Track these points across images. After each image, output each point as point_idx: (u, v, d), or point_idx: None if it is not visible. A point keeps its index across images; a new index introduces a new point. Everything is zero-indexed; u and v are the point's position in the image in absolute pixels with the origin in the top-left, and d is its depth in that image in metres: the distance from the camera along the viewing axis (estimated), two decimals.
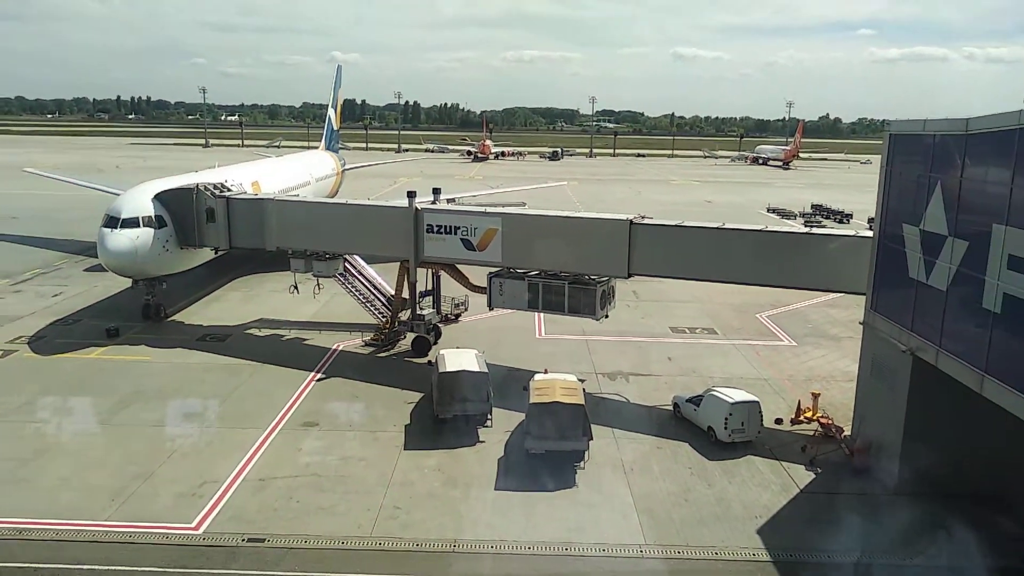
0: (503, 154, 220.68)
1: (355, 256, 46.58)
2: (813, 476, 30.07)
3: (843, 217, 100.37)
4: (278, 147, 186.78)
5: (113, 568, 23.35)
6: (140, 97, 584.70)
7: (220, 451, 31.12)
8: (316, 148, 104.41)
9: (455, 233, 40.81)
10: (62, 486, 28.02)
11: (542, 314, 46.02)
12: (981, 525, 25.81)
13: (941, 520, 26.08)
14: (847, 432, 32.76)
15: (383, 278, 47.33)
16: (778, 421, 34.80)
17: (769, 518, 26.93)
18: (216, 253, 49.70)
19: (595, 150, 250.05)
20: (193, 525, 25.61)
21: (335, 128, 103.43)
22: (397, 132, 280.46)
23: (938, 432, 27.04)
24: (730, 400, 32.33)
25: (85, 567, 23.35)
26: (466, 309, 49.75)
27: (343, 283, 46.24)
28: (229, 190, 48.02)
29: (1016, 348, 22.64)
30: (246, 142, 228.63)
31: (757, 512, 27.25)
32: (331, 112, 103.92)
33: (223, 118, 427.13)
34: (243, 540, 24.82)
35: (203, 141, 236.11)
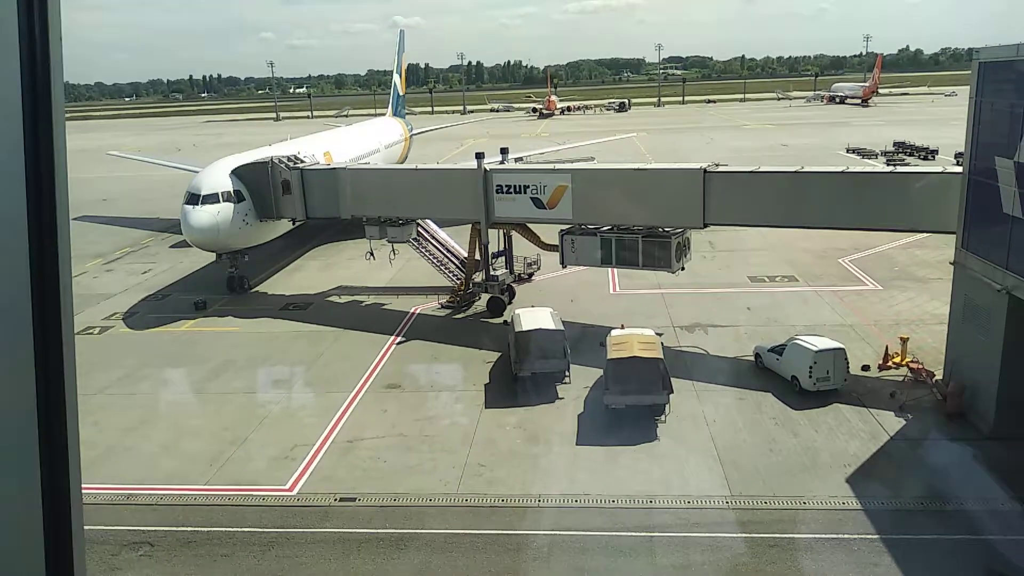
0: (569, 109, 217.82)
1: (427, 220, 47.01)
2: (903, 423, 29.21)
3: (928, 153, 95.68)
4: (346, 116, 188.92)
5: (215, 529, 24.49)
6: (211, 75, 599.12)
7: (309, 415, 32.17)
8: (383, 115, 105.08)
9: (524, 192, 40.66)
10: (163, 453, 29.50)
11: (616, 270, 45.76)
12: None
13: None
14: (938, 377, 31.63)
15: (456, 241, 47.68)
16: (865, 368, 33.82)
17: (858, 466, 26.33)
18: (294, 224, 50.85)
19: (664, 99, 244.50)
20: (287, 487, 26.65)
21: (401, 94, 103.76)
22: (462, 94, 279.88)
23: None
24: (814, 348, 31.53)
25: (188, 528, 24.56)
26: (539, 268, 49.74)
27: (417, 247, 46.81)
28: (302, 161, 48.87)
29: None
30: (315, 113, 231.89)
31: (846, 461, 26.68)
32: (396, 78, 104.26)
33: (292, 91, 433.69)
34: (335, 500, 25.71)
35: (274, 115, 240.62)
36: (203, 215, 45.80)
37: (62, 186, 2.90)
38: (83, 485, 3.21)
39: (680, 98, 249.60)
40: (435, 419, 31.27)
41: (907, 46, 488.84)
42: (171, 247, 63.27)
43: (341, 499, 25.75)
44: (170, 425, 32.18)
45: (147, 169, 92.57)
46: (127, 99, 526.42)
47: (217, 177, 47.81)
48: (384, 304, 46.71)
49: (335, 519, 24.79)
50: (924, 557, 21.66)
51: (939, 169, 36.86)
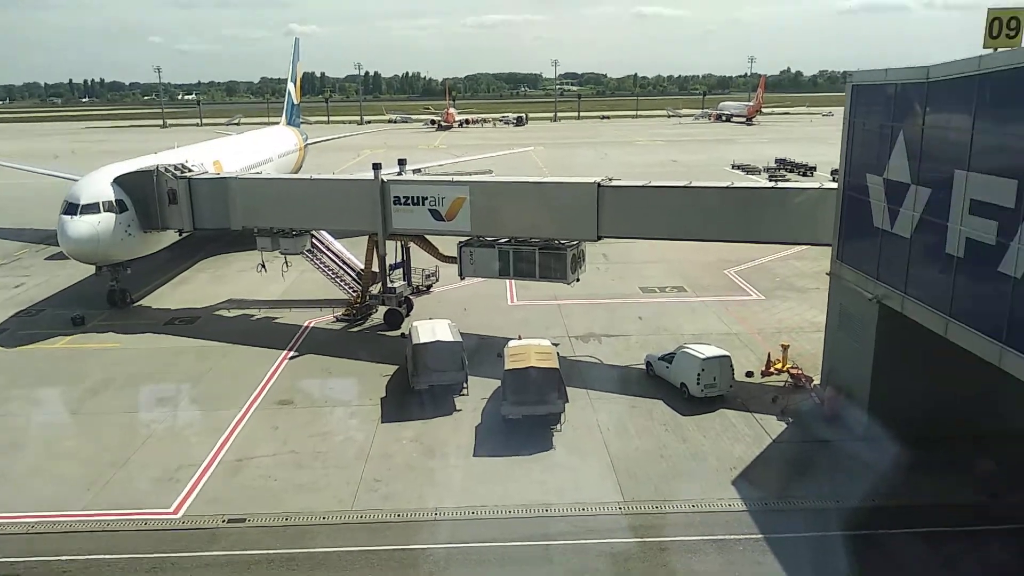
0: (467, 122, 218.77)
1: (322, 232, 46.13)
2: (785, 426, 30.62)
3: (807, 170, 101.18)
4: (238, 124, 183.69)
5: (92, 557, 23.16)
6: (94, 79, 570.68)
7: (195, 434, 30.91)
8: (277, 124, 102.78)
9: (423, 204, 40.49)
10: (36, 478, 27.68)
11: (513, 281, 46.13)
12: (948, 465, 26.60)
13: (909, 462, 26.76)
14: (817, 381, 33.34)
15: (352, 252, 46.98)
16: (749, 374, 35.30)
17: (743, 469, 27.42)
18: (180, 235, 48.87)
19: (559, 114, 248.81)
20: (171, 509, 25.48)
21: (295, 102, 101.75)
22: (359, 104, 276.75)
23: (905, 378, 27.62)
24: (701, 356, 32.69)
25: (64, 558, 23.11)
26: (437, 280, 49.61)
27: (311, 259, 45.84)
28: (190, 170, 47.13)
29: (979, 291, 23.08)
30: (205, 121, 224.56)
31: (732, 464, 27.72)
32: (290, 86, 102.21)
33: (180, 97, 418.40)
34: (223, 521, 24.74)
35: (160, 122, 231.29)
36: (82, 225, 43.47)
37: None
38: None
39: (576, 113, 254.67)
40: (329, 435, 30.59)
41: (788, 68, 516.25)
42: (47, 259, 59.82)
43: (229, 520, 24.80)
44: (43, 448, 30.20)
45: (21, 176, 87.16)
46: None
47: (98, 186, 45.49)
48: (276, 318, 45.47)
49: (223, 541, 23.83)
50: (806, 555, 22.65)
51: (816, 185, 38.94)
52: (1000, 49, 24.16)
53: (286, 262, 47.06)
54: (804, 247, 48.92)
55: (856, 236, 30.75)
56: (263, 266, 46.45)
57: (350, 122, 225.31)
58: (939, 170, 24.64)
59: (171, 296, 50.51)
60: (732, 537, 23.40)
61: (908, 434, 27.52)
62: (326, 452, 29.15)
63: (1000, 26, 25.07)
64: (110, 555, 23.26)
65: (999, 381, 22.41)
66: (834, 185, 33.14)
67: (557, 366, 31.07)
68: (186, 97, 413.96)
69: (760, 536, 23.36)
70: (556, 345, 35.22)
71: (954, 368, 25.23)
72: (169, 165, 46.42)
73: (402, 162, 49.52)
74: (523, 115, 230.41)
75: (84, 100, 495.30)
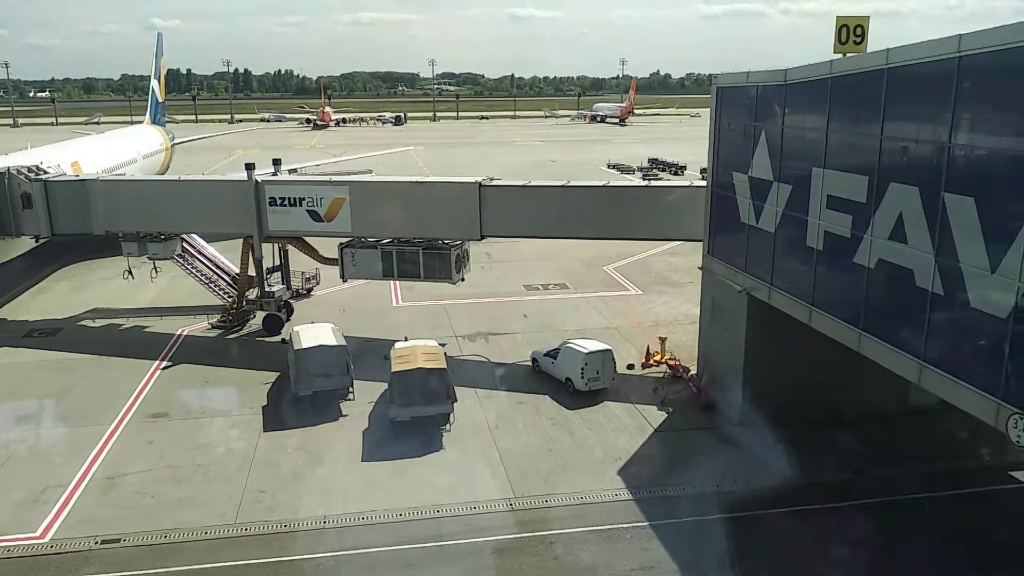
0: (344, 121, 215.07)
1: (193, 235, 44.27)
2: (665, 415, 31.82)
3: (678, 169, 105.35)
4: (97, 123, 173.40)
5: None
6: None
7: (62, 453, 29.07)
8: (141, 123, 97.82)
9: (300, 205, 39.53)
10: None
11: (398, 282, 45.78)
12: (816, 446, 28.34)
13: (782, 444, 28.38)
14: (693, 372, 34.81)
15: (226, 256, 45.33)
16: (630, 367, 36.45)
17: (628, 459, 28.33)
18: (37, 242, 45.79)
19: (438, 114, 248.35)
20: (38, 533, 23.87)
21: (160, 100, 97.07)
22: (229, 102, 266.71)
23: (775, 365, 29.17)
24: (584, 350, 33.50)
25: None
26: (318, 283, 48.59)
27: (182, 264, 43.89)
28: (46, 172, 44.21)
29: (837, 281, 24.73)
30: (61, 120, 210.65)
31: (617, 455, 28.57)
32: (154, 83, 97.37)
33: (32, 95, 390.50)
34: (96, 543, 23.39)
35: (11, 121, 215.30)
36: None
37: None
38: None
39: (455, 113, 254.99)
40: (208, 447, 29.43)
41: (658, 70, 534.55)
42: None
43: (103, 541, 23.47)
44: None
45: None
46: None
47: None
48: (146, 327, 43.30)
49: (96, 563, 22.54)
50: (689, 539, 23.63)
51: (687, 183, 40.62)
52: (848, 54, 26.03)
53: (155, 268, 44.88)
54: (678, 243, 51.11)
55: (725, 231, 32.28)
56: (130, 272, 44.14)
57: (220, 121, 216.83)
58: (798, 168, 26.25)
59: (29, 307, 47.25)
60: (619, 526, 24.12)
61: (779, 418, 29.17)
62: (206, 465, 28.03)
63: (848, 33, 27.03)
64: None
65: (860, 365, 24.09)
66: (703, 183, 34.67)
67: (445, 366, 31.10)
68: (39, 95, 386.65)
69: (646, 523, 24.18)
70: (443, 345, 35.24)
71: (819, 354, 26.91)
72: (22, 167, 43.37)
73: (277, 162, 48.22)
74: (402, 114, 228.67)
75: None
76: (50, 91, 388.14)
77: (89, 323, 44.29)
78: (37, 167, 44.46)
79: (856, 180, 22.99)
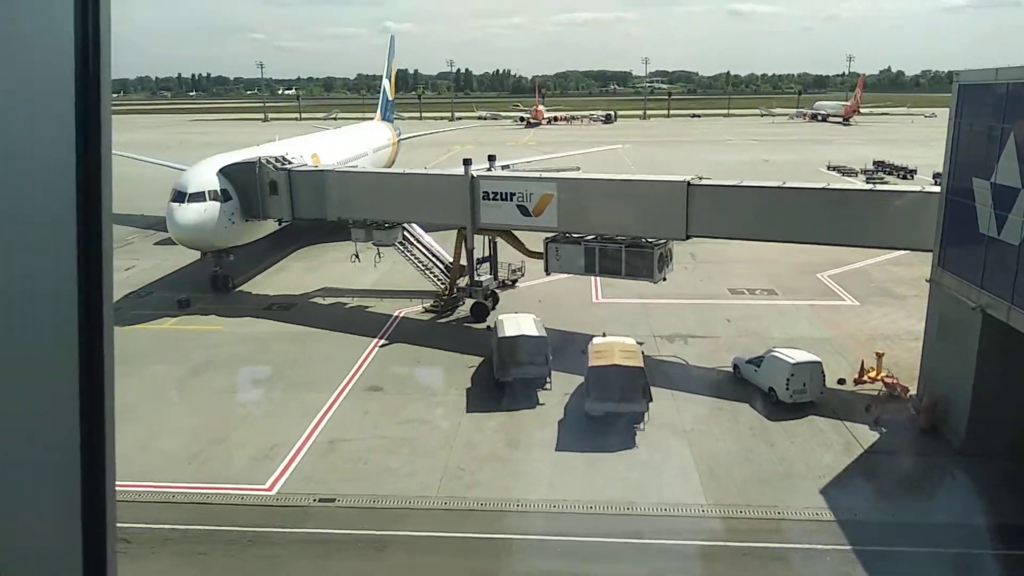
0: (556, 119, 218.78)
1: (413, 224, 47.22)
2: (877, 436, 29.73)
3: (907, 173, 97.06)
4: (335, 119, 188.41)
5: (192, 528, 24.47)
6: (200, 74, 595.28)
7: (290, 416, 32.16)
8: (372, 119, 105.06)
9: (511, 199, 40.98)
10: (141, 451, 29.18)
11: (599, 278, 46.15)
12: None
13: (1007, 479, 25.74)
14: (913, 392, 32.22)
15: (441, 246, 47.91)
16: (841, 381, 34.35)
17: (832, 478, 26.79)
18: (280, 224, 50.84)
19: (649, 112, 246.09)
20: (267, 486, 26.68)
21: (389, 98, 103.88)
22: (450, 101, 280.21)
23: (1010, 391, 26.46)
24: (791, 360, 32.03)
25: (167, 526, 24.50)
26: (523, 275, 50.00)
27: (403, 251, 46.95)
28: (290, 163, 48.96)
29: None
30: (303, 115, 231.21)
31: (820, 472, 27.13)
32: (385, 83, 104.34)
33: (280, 92, 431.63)
34: (315, 500, 25.77)
35: (262, 116, 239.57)
36: (189, 213, 45.73)
37: (107, 187, 3.02)
38: None
39: (666, 111, 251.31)
40: (416, 422, 31.39)
41: (889, 67, 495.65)
42: (155, 244, 62.92)
43: (321, 499, 25.79)
44: (148, 424, 31.79)
45: (133, 166, 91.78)
46: (114, 95, 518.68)
47: (204, 175, 47.77)
48: (368, 307, 46.80)
49: (315, 519, 24.85)
50: (894, 568, 22.08)
51: (917, 188, 37.57)
52: None
53: (378, 253, 48.33)
54: (902, 252, 47.25)
55: (959, 242, 29.59)
56: (356, 256, 47.82)
57: (442, 119, 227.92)
58: None
59: (269, 283, 52.56)
60: (818, 547, 22.98)
61: (1010, 449, 26.44)
62: (413, 438, 29.94)
63: None
64: (209, 526, 24.50)
65: None
66: (936, 189, 31.97)
67: (641, 364, 31.03)
68: (286, 92, 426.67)
69: (848, 547, 22.84)
70: (641, 344, 35.13)
71: None
72: (270, 157, 48.36)
73: (492, 158, 50.08)
74: (612, 113, 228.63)
75: (191, 94, 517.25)
76: (295, 89, 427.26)
77: (319, 300, 48.61)
78: (283, 158, 49.29)
79: None
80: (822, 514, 24.58)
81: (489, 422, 31.19)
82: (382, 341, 40.75)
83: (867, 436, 29.69)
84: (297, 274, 54.93)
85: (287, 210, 47.06)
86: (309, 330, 42.57)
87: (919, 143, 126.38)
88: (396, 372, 36.61)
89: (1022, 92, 25.53)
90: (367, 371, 36.73)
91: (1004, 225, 25.98)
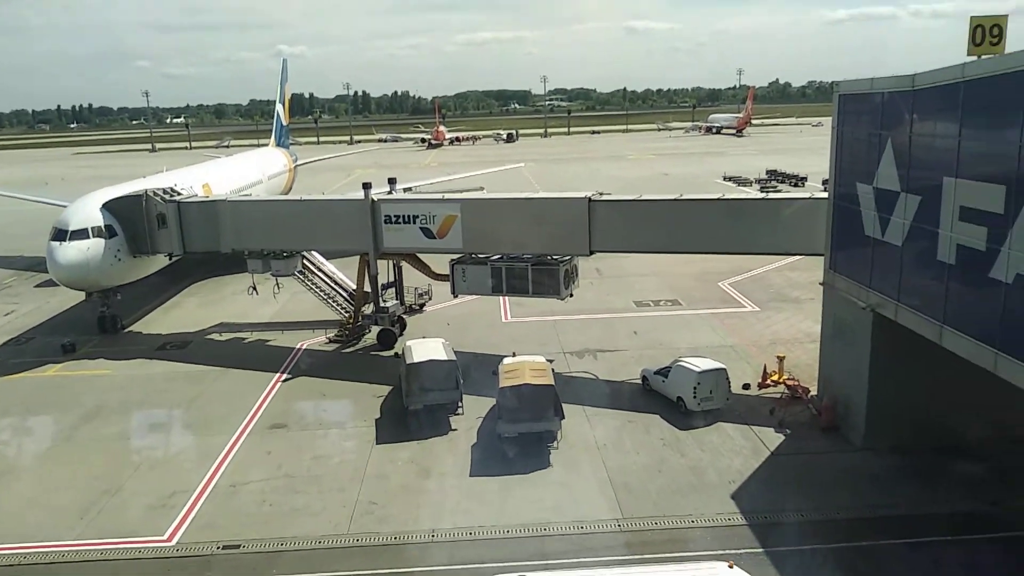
0: (457, 139, 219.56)
1: (313, 252, 46.00)
2: (783, 438, 30.44)
3: (798, 180, 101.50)
4: (227, 147, 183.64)
5: None
6: (81, 105, 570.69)
7: (188, 460, 30.60)
8: (266, 145, 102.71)
9: (414, 222, 40.40)
10: (28, 507, 27.30)
11: (507, 298, 46.00)
12: (947, 473, 26.47)
13: (908, 471, 26.69)
14: (813, 392, 33.19)
15: (343, 273, 46.82)
16: (746, 386, 35.15)
17: (742, 482, 27.22)
18: (170, 259, 48.64)
19: (550, 130, 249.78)
20: (165, 537, 25.14)
21: (284, 124, 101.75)
22: (348, 124, 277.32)
23: (901, 387, 27.53)
24: (697, 369, 32.55)
25: None
26: (430, 298, 49.43)
27: (303, 280, 45.61)
28: (179, 194, 47.01)
29: (972, 297, 23.02)
30: (194, 144, 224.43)
31: (731, 477, 27.52)
32: (279, 107, 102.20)
33: (168, 121, 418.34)
34: (218, 548, 24.41)
35: (149, 146, 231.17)
36: (71, 251, 43.24)
37: None
38: None
39: (566, 129, 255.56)
40: (324, 458, 30.28)
41: (777, 79, 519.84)
42: (36, 286, 59.43)
43: (224, 547, 24.47)
44: (35, 477, 29.85)
45: (8, 204, 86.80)
46: None
47: (87, 211, 45.31)
48: (269, 340, 45.22)
49: (218, 568, 23.51)
50: (803, 568, 22.42)
51: (807, 195, 38.95)
52: (984, 56, 24.29)
53: (277, 284, 46.91)
54: (797, 257, 49.04)
55: (848, 245, 30.73)
56: (254, 289, 46.26)
57: (340, 142, 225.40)
58: (928, 177, 24.65)
59: (162, 321, 50.22)
60: (732, 552, 23.08)
61: (905, 443, 27.47)
62: (321, 475, 28.87)
63: (983, 33, 25.20)
64: None
65: (994, 388, 22.29)
66: (825, 195, 33.17)
67: (552, 382, 30.90)
68: (175, 120, 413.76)
69: (760, 550, 23.13)
70: (551, 361, 35.06)
71: (949, 376, 25.17)
72: (158, 189, 46.34)
73: (392, 180, 49.52)
74: (514, 131, 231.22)
75: (72, 126, 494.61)
76: (184, 117, 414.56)
77: (216, 336, 46.67)
78: (172, 189, 47.31)
79: (992, 190, 21.33)
80: (734, 519, 24.89)
81: (400, 452, 30.38)
82: (284, 376, 39.34)
83: (773, 439, 30.35)
84: (191, 310, 52.70)
85: (177, 244, 45.06)
86: (206, 368, 40.73)
87: (808, 151, 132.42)
88: (300, 407, 35.33)
89: (897, 100, 26.72)
90: (269, 408, 35.31)
91: (887, 227, 27.09)
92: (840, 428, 30.37)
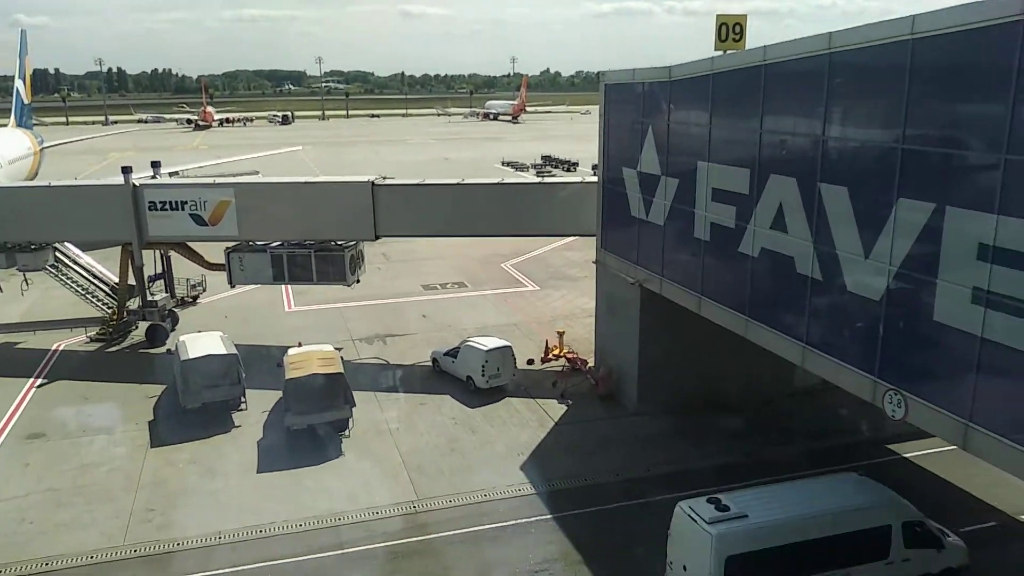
0: (228, 121, 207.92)
1: (67, 244, 41.73)
2: (565, 408, 32.20)
3: (571, 166, 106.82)
4: None
5: None
6: None
7: None
8: (5, 126, 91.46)
9: (182, 208, 37.81)
10: None
11: (290, 286, 44.58)
12: (711, 431, 29.30)
13: (678, 431, 29.25)
14: (591, 364, 35.35)
15: (104, 265, 42.97)
16: (530, 362, 36.71)
17: (530, 453, 28.51)
18: None
19: (328, 112, 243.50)
20: None
21: (26, 102, 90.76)
22: (102, 103, 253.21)
23: (669, 354, 29.99)
24: (484, 348, 33.52)
25: None
26: (204, 290, 46.72)
27: (56, 275, 41.27)
28: None
29: (724, 270, 25.57)
30: None
31: (519, 450, 28.73)
32: (19, 84, 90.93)
33: None
34: None
35: None
36: None
37: None
38: None
39: (345, 112, 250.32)
40: (91, 467, 27.81)
41: (548, 68, 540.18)
42: None
43: None
44: None
45: None
46: None
47: None
48: (18, 343, 40.57)
49: None
50: (592, 527, 23.95)
51: (579, 179, 41.14)
52: (728, 51, 26.96)
53: (25, 279, 42.08)
54: (573, 238, 51.83)
55: (617, 225, 32.90)
56: None
57: (94, 123, 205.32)
58: (685, 162, 27.00)
59: None
60: (524, 521, 24.21)
61: (675, 405, 30.08)
62: (88, 486, 26.48)
63: (727, 31, 28.01)
64: None
65: (748, 351, 24.99)
66: (595, 179, 35.24)
67: (341, 370, 30.45)
68: None
69: (549, 516, 24.41)
70: (339, 349, 34.52)
71: (710, 342, 27.88)
72: None
73: (156, 164, 46.18)
74: (289, 113, 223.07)
75: None
76: None
77: None
78: None
79: (739, 173, 23.83)
80: (524, 489, 26.03)
81: (179, 454, 28.58)
82: (39, 381, 35.55)
83: (557, 410, 32.02)
84: None
85: None
86: None
87: (578, 138, 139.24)
88: (60, 414, 32.11)
89: (656, 90, 28.91)
90: (23, 417, 31.82)
91: (651, 208, 29.35)
92: (616, 396, 32.62)
